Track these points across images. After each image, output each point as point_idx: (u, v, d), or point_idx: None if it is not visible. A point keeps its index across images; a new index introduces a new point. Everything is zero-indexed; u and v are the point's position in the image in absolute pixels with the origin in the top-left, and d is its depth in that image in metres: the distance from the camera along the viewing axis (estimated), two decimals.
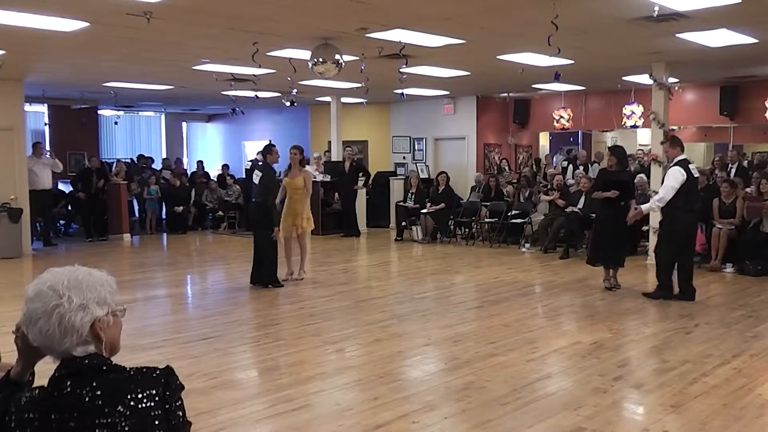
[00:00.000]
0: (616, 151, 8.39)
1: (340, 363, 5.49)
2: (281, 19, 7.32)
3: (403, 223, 13.73)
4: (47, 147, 14.77)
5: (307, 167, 14.49)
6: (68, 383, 1.61)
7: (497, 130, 16.50)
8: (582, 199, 11.01)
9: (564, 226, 11.22)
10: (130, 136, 19.85)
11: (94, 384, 1.60)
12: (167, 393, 1.64)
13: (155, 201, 15.02)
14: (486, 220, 12.90)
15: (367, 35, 8.03)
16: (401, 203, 14.14)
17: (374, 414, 4.24)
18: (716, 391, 4.62)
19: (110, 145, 19.14)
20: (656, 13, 6.83)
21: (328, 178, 14.23)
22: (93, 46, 8.79)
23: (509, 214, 12.47)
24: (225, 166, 17.28)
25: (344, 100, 15.36)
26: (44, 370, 1.69)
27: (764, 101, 12.51)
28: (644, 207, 7.71)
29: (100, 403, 1.58)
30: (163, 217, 15.56)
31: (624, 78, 12.26)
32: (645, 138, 16.34)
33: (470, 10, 6.99)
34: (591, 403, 4.40)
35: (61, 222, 14.92)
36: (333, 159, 15.08)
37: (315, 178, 14.24)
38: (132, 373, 1.64)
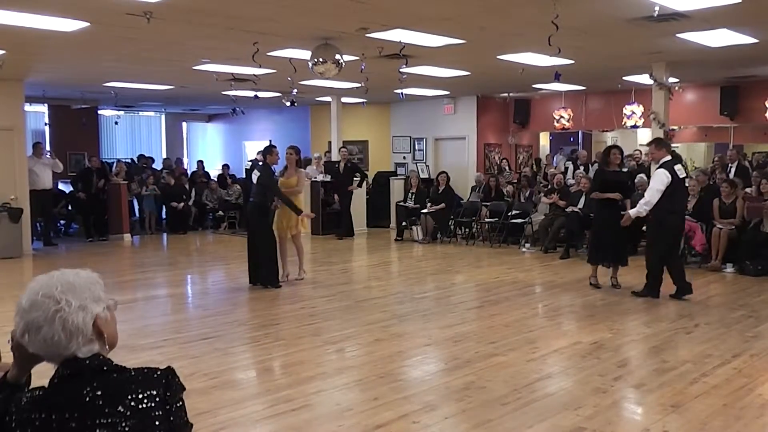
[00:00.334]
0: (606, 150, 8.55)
1: (340, 363, 5.49)
2: (281, 19, 7.32)
3: (404, 223, 13.73)
4: (47, 147, 14.78)
5: (309, 167, 14.57)
6: (69, 384, 1.61)
7: (497, 130, 16.51)
8: (582, 199, 11.01)
9: (564, 226, 11.22)
10: (130, 136, 19.86)
11: (95, 384, 1.60)
12: (168, 393, 1.64)
13: (151, 198, 15.00)
14: (486, 220, 12.90)
15: (368, 35, 8.03)
16: (401, 203, 14.13)
17: (374, 414, 4.24)
18: (716, 391, 4.62)
19: (110, 145, 19.16)
20: (656, 13, 6.83)
21: (328, 178, 14.23)
22: (93, 46, 8.79)
23: (509, 214, 12.47)
24: (225, 166, 17.29)
25: (344, 100, 15.37)
26: (44, 370, 1.69)
27: (764, 101, 12.51)
28: (632, 212, 7.72)
29: (100, 403, 1.58)
30: (163, 217, 15.57)
31: (624, 78, 12.26)
32: (645, 138, 16.32)
33: (470, 10, 6.99)
34: (591, 403, 4.40)
35: (62, 222, 14.93)
36: (333, 159, 15.09)
37: (316, 178, 14.29)
38: (133, 373, 1.64)
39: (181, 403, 1.68)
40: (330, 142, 15.92)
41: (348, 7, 6.76)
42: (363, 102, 15.00)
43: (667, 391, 4.63)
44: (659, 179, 7.41)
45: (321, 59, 8.20)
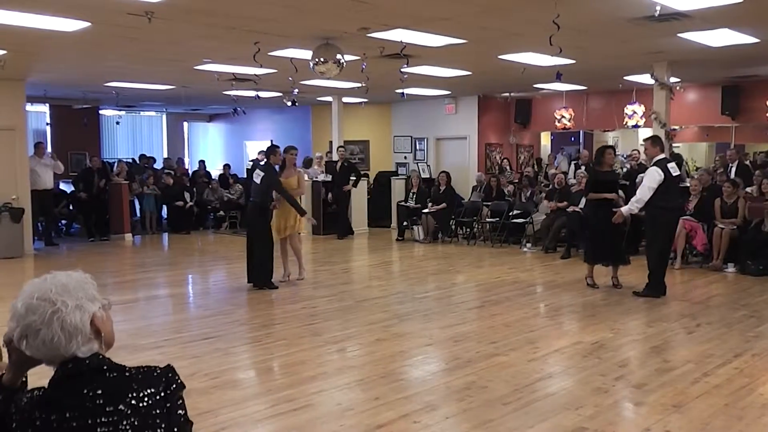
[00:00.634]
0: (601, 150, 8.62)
1: (341, 363, 5.49)
2: (283, 19, 7.32)
3: (405, 223, 13.72)
4: (49, 147, 14.78)
5: (312, 167, 14.58)
6: (69, 383, 1.61)
7: (499, 129, 16.50)
8: (583, 199, 10.99)
9: (565, 225, 11.22)
10: (131, 136, 19.87)
11: (95, 384, 1.60)
12: (168, 392, 1.64)
13: (151, 198, 15.00)
14: (487, 219, 12.90)
15: (369, 35, 8.03)
16: (402, 203, 14.13)
17: (375, 414, 4.24)
18: (718, 391, 4.61)
19: (112, 145, 19.17)
20: (658, 12, 6.82)
21: (329, 178, 14.23)
22: (94, 46, 8.79)
23: (510, 213, 12.46)
24: (226, 166, 17.30)
25: (345, 99, 15.37)
26: (44, 370, 1.69)
27: (766, 101, 12.50)
28: (624, 209, 7.84)
29: (101, 402, 1.58)
30: (164, 216, 15.57)
31: (625, 78, 12.26)
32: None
33: (471, 10, 6.99)
34: (592, 403, 4.39)
35: (63, 222, 14.93)
36: (334, 159, 15.09)
37: (317, 177, 14.29)
38: (133, 372, 1.64)
39: (181, 401, 1.68)
40: (331, 142, 15.92)
41: (349, 7, 6.76)
42: (362, 102, 14.99)
43: (669, 391, 4.62)
44: (652, 177, 7.50)
45: (322, 59, 8.19)
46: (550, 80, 11.53)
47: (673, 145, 12.32)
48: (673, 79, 11.13)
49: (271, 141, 15.51)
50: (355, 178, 14.00)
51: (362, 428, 4.04)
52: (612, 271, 8.34)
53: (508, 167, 15.52)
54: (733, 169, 11.70)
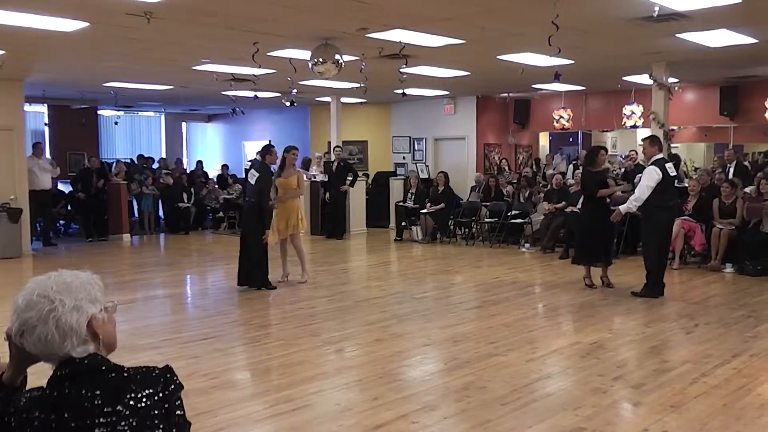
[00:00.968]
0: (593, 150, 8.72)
1: (339, 363, 5.49)
2: (281, 19, 7.32)
3: (403, 223, 13.72)
4: (47, 148, 14.79)
5: (311, 167, 14.56)
6: (67, 383, 1.61)
7: (497, 130, 16.51)
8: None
9: (564, 226, 11.22)
10: (129, 136, 19.86)
11: (94, 384, 1.60)
12: (166, 392, 1.64)
13: (149, 198, 14.99)
14: (486, 220, 12.89)
15: (367, 35, 8.03)
16: (401, 203, 14.13)
17: (374, 414, 4.24)
18: (716, 392, 4.62)
19: (110, 145, 19.16)
20: (656, 13, 6.83)
21: (326, 178, 14.21)
22: (93, 46, 8.79)
23: (509, 214, 12.47)
24: (224, 166, 17.28)
25: (344, 100, 15.37)
26: (44, 370, 1.69)
27: (764, 101, 12.51)
28: (622, 207, 7.88)
29: (99, 402, 1.58)
30: (161, 217, 15.56)
31: (624, 78, 12.27)
32: None
33: (470, 10, 7.00)
34: (590, 404, 4.40)
35: (61, 222, 14.93)
36: (332, 159, 15.07)
37: (315, 177, 14.28)
38: (131, 372, 1.64)
39: (179, 401, 1.67)
40: (329, 142, 15.92)
41: (348, 7, 6.76)
42: (361, 102, 14.98)
43: (667, 391, 4.63)
44: (649, 176, 7.53)
45: (321, 59, 8.19)
46: (549, 80, 11.53)
47: (672, 145, 12.34)
48: (671, 80, 11.14)
49: (269, 141, 15.51)
50: (351, 178, 14.00)
51: (361, 428, 4.04)
52: (602, 271, 8.34)
53: (506, 167, 15.52)
54: (731, 170, 11.71)
